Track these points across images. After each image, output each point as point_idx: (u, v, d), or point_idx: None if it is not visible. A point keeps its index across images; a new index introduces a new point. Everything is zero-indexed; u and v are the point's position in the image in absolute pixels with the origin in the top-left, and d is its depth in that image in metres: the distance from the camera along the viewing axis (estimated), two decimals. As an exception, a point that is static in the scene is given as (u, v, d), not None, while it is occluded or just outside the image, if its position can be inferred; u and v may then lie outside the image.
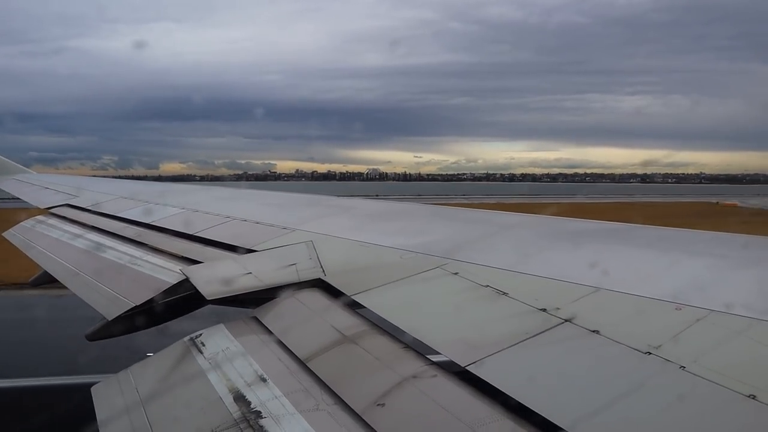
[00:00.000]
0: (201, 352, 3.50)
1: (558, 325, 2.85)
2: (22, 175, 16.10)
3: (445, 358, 2.72)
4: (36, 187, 13.61)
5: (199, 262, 5.27)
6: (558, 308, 3.01)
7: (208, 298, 4.14)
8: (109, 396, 3.40)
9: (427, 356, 2.83)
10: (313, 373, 2.96)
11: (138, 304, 4.63)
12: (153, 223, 7.31)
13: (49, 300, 21.15)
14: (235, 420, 2.70)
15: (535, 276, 3.56)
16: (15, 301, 25.55)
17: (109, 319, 4.58)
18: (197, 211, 7.62)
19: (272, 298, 4.04)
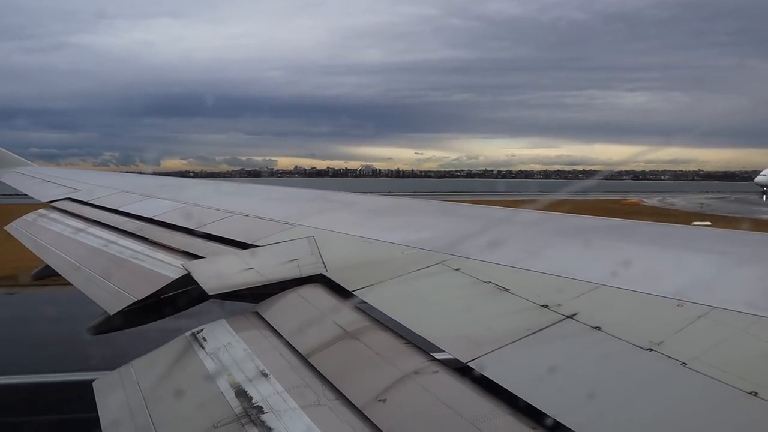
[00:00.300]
0: (203, 347, 3.51)
1: (560, 321, 2.85)
2: (24, 168, 16.05)
3: (446, 354, 2.72)
4: (37, 180, 13.60)
5: (201, 257, 5.28)
6: (560, 304, 3.00)
7: (210, 293, 4.14)
8: (111, 391, 3.41)
9: (429, 352, 2.84)
10: (315, 368, 2.96)
11: (140, 298, 4.64)
12: (155, 218, 7.33)
13: (46, 296, 21.22)
14: (237, 415, 2.71)
15: (537, 272, 3.55)
16: (12, 297, 25.60)
17: (111, 314, 4.60)
18: (199, 205, 7.63)
19: (274, 294, 4.05)
